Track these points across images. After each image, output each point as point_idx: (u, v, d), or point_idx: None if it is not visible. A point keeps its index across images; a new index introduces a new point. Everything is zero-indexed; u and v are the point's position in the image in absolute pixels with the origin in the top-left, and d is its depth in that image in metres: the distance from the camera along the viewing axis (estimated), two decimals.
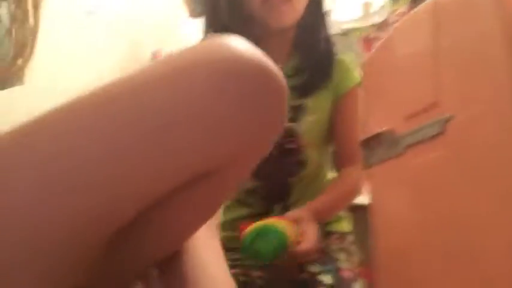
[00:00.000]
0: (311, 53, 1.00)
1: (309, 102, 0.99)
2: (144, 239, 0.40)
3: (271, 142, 0.38)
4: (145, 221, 0.38)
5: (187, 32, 2.05)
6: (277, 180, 1.03)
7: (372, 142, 0.68)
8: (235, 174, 0.38)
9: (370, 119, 0.72)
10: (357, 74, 1.03)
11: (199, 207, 0.40)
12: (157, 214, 0.38)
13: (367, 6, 2.07)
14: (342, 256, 0.99)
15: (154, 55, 1.96)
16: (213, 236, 0.51)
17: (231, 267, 0.97)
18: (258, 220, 1.07)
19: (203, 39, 0.35)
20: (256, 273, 0.94)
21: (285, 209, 1.04)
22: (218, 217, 0.56)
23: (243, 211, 1.07)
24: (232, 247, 1.06)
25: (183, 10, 2.04)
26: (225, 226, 1.09)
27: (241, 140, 0.34)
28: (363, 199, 0.97)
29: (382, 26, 1.97)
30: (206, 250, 0.46)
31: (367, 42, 2.03)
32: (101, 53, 1.72)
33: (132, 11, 1.96)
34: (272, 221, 0.82)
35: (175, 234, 0.42)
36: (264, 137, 0.36)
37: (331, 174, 1.10)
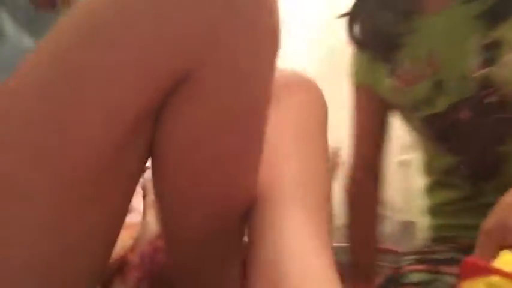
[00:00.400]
0: None
1: (508, 32, 0.74)
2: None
3: (251, 35, 0.35)
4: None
5: None
6: (482, 151, 0.81)
7: None
8: (222, 77, 0.36)
9: None
10: None
11: (201, 116, 0.38)
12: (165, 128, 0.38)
13: None
14: None
15: None
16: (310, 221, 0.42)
17: (422, 261, 0.78)
18: (467, 205, 0.85)
19: None
20: (450, 270, 0.73)
21: (499, 189, 0.79)
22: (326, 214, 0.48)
23: (448, 194, 0.88)
24: (434, 237, 0.87)
25: None
26: (429, 212, 0.92)
27: (213, 20, 0.33)
28: None
29: None
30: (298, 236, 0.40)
31: None
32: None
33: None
34: None
35: (207, 163, 0.40)
36: (240, 23, 0.34)
37: None
